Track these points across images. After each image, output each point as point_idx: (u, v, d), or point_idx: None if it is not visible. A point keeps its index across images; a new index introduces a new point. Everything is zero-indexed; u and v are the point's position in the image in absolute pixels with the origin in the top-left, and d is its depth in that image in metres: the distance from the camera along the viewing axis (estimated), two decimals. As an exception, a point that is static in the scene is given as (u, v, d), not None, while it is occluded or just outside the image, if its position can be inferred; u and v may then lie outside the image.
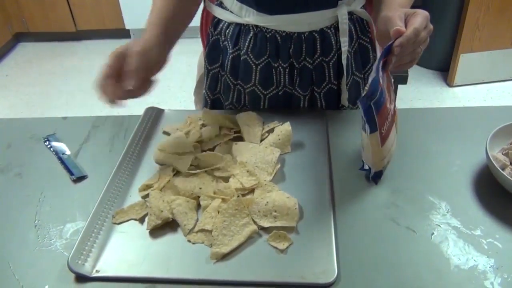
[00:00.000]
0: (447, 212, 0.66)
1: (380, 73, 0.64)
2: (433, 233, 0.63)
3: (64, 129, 0.89)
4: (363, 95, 0.62)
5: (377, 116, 0.65)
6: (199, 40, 1.01)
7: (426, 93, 2.78)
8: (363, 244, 0.62)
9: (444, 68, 2.85)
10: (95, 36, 3.73)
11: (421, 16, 0.67)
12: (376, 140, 0.67)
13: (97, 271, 0.59)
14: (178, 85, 2.98)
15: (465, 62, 2.67)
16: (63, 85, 3.17)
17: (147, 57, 0.69)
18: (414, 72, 2.93)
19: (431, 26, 0.69)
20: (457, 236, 0.63)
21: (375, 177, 0.72)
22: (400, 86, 2.52)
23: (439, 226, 0.64)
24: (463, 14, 2.53)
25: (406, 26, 0.66)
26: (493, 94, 2.72)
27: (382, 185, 0.72)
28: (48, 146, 0.84)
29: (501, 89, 2.76)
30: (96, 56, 3.54)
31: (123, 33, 3.67)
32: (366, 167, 0.73)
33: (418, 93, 2.79)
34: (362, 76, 0.94)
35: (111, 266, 0.60)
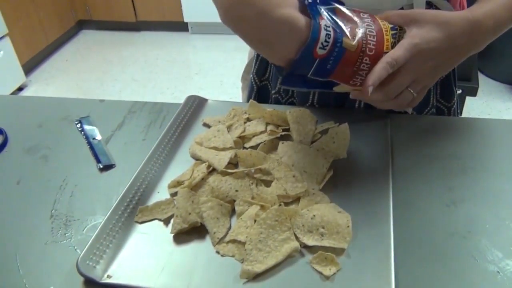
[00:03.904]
0: (541, 251, 0.53)
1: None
2: (522, 276, 0.50)
3: (99, 112, 0.82)
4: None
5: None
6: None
7: (496, 108, 2.55)
8: (430, 280, 0.50)
9: (517, 82, 2.61)
10: (153, 27, 3.76)
11: (404, 48, 0.55)
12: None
13: (108, 276, 0.51)
14: (231, 81, 2.92)
15: (544, 76, 2.42)
16: (118, 73, 3.21)
17: None
18: (484, 84, 2.70)
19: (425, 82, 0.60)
20: (555, 283, 0.49)
21: None
22: (468, 98, 2.32)
23: (530, 267, 0.51)
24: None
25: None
26: None
27: (455, 208, 0.59)
28: (80, 129, 0.77)
29: None
30: (153, 47, 3.56)
31: (181, 26, 3.68)
32: None
33: (487, 107, 2.56)
34: None
35: (125, 272, 0.51)
